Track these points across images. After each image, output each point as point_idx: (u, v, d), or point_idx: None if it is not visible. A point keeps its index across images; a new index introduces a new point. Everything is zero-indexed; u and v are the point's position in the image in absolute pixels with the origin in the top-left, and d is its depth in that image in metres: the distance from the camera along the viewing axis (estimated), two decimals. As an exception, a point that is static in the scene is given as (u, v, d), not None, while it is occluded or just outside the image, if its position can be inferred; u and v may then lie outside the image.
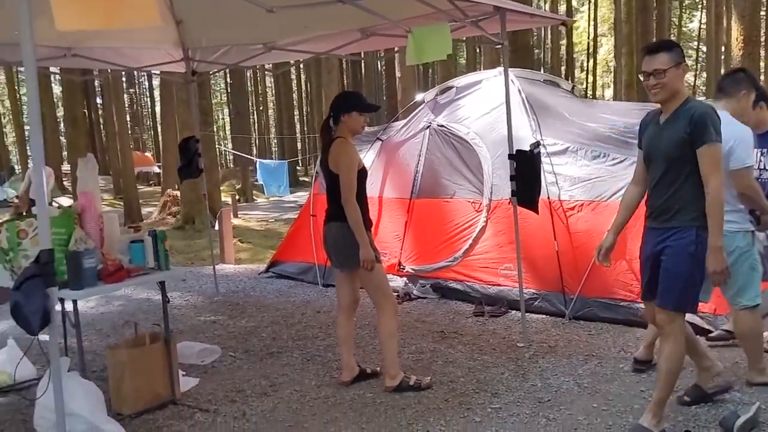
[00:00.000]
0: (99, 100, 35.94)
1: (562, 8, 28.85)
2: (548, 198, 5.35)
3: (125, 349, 3.89)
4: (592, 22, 34.51)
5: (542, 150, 5.53)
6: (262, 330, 5.41)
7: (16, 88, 30.06)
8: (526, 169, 4.58)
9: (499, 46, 4.66)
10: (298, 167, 28.85)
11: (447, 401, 3.79)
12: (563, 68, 32.62)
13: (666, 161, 3.05)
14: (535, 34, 27.01)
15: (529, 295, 5.29)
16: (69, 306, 3.58)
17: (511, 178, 4.67)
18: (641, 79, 3.16)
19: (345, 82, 33.68)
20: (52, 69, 7.96)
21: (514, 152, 4.66)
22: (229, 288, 7.03)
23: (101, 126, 36.19)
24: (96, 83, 30.97)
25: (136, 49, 6.09)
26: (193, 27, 5.94)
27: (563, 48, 34.23)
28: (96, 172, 3.96)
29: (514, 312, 5.45)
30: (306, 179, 28.41)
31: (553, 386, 3.92)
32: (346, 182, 3.77)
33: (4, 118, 33.26)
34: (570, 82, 7.14)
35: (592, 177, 5.30)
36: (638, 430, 3.12)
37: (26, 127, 35.99)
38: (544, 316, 5.30)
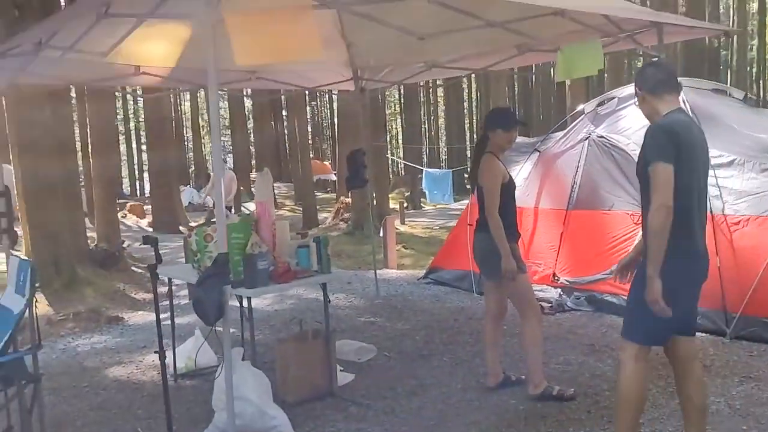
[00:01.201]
0: (285, 113, 38.67)
1: (754, 5, 26.51)
2: (710, 212, 5.13)
3: (291, 343, 4.37)
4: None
5: (706, 162, 5.35)
6: (416, 333, 5.72)
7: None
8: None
9: (656, 59, 4.59)
10: (465, 175, 29.13)
11: (589, 413, 3.84)
12: (754, 70, 29.87)
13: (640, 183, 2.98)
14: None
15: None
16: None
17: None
18: None
19: (516, 91, 33.49)
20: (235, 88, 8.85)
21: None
22: (389, 291, 7.44)
23: (285, 136, 38.88)
24: (282, 97, 33.34)
25: (311, 71, 6.68)
26: (361, 49, 6.41)
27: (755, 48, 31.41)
28: (271, 184, 4.50)
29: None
30: (472, 188, 28.51)
31: (703, 406, 3.81)
32: (489, 196, 3.96)
33: (203, 130, 36.84)
34: (743, 90, 6.71)
35: (760, 190, 5.02)
36: None
37: (223, 139, 39.66)
38: (702, 334, 5.09)
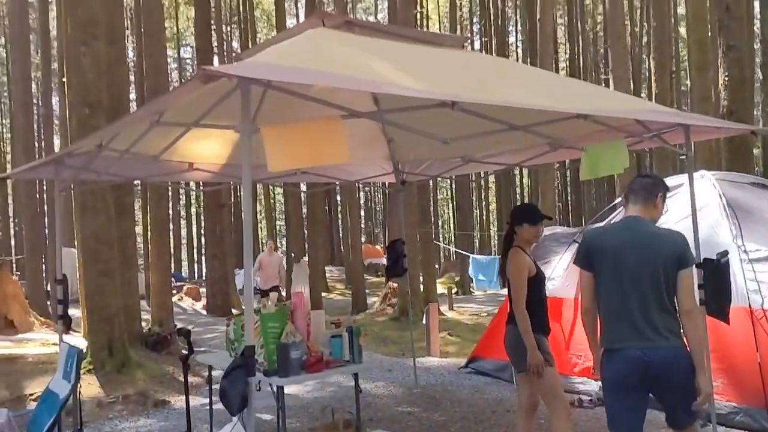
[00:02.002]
0: (339, 198, 39.62)
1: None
2: (749, 306, 5.09)
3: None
4: None
5: (744, 256, 5.34)
6: (452, 425, 5.70)
7: (271, 192, 34.27)
8: (714, 279, 4.48)
9: (684, 157, 4.70)
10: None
11: None
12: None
13: None
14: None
15: (729, 409, 4.99)
16: (290, 389, 4.23)
17: (699, 287, 4.58)
18: None
19: (568, 178, 33.53)
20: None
21: (702, 261, 4.58)
22: (428, 381, 7.44)
23: (339, 221, 39.66)
24: (337, 183, 34.23)
25: (354, 165, 7.02)
26: (401, 144, 6.74)
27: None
28: (307, 275, 4.72)
29: (710, 426, 5.13)
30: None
31: None
32: (514, 290, 4.06)
33: (259, 215, 37.91)
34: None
35: (799, 285, 4.95)
36: None
37: (278, 222, 40.78)
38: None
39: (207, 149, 5.53)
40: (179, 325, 12.24)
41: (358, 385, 4.46)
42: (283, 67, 2.93)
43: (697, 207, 6.01)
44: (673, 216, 6.29)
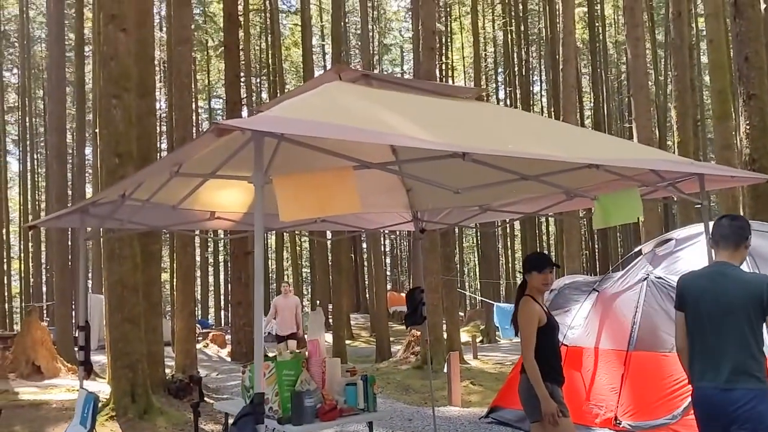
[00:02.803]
0: (364, 246, 39.73)
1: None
2: None
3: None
4: None
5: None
6: (470, 476, 5.63)
7: (297, 240, 34.57)
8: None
9: (699, 206, 4.70)
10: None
11: None
12: None
13: None
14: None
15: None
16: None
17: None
18: None
19: (592, 230, 33.27)
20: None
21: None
22: (448, 430, 7.34)
23: (365, 269, 39.67)
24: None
25: (373, 214, 7.10)
26: (419, 194, 6.81)
27: None
28: (323, 323, 4.76)
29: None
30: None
31: None
32: (523, 339, 4.06)
33: (286, 262, 38.13)
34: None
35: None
36: None
37: (304, 270, 40.93)
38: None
39: (228, 199, 5.66)
40: (204, 373, 12.31)
41: (372, 435, 4.46)
42: (295, 120, 3.04)
43: (717, 256, 6.03)
44: (694, 264, 6.23)
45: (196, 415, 3.44)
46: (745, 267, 5.65)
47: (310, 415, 4.06)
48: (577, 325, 6.92)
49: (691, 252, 6.37)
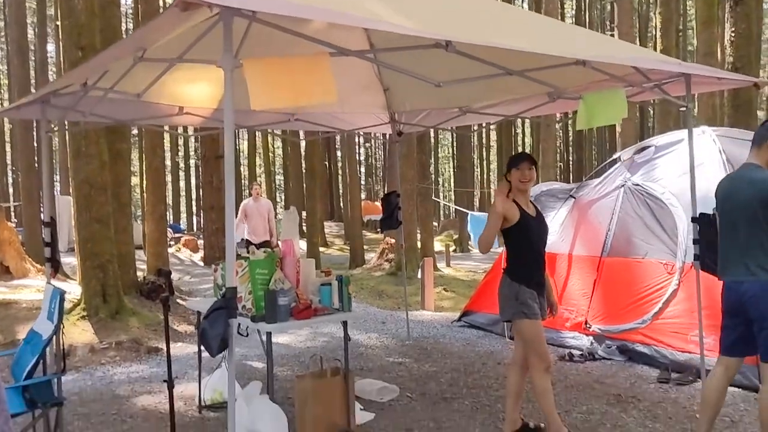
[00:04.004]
0: (338, 153, 39.40)
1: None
2: (745, 264, 5.01)
3: (309, 379, 4.43)
4: None
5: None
6: (441, 375, 5.71)
7: (270, 146, 34.06)
8: (709, 233, 4.41)
9: (683, 109, 4.58)
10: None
11: (605, 464, 3.76)
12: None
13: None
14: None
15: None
16: (283, 339, 4.20)
17: (694, 242, 4.52)
18: None
19: (570, 135, 33.26)
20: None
21: (698, 215, 4.51)
22: (421, 333, 7.44)
23: (338, 177, 39.50)
24: (337, 138, 33.96)
25: (349, 114, 6.88)
26: (397, 94, 6.59)
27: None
28: (297, 223, 4.64)
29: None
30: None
31: (724, 464, 3.70)
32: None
33: (259, 168, 37.76)
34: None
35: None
36: None
37: (278, 177, 40.60)
38: (735, 389, 4.93)
39: (197, 92, 5.40)
40: (176, 276, 12.26)
41: (347, 334, 4.42)
42: (269, -1, 2.79)
43: (696, 162, 5.95)
44: (672, 171, 6.21)
45: (166, 309, 3.36)
46: (722, 173, 5.64)
47: (284, 314, 3.99)
48: (552, 231, 6.87)
49: (670, 159, 6.30)
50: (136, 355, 7.08)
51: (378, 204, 36.21)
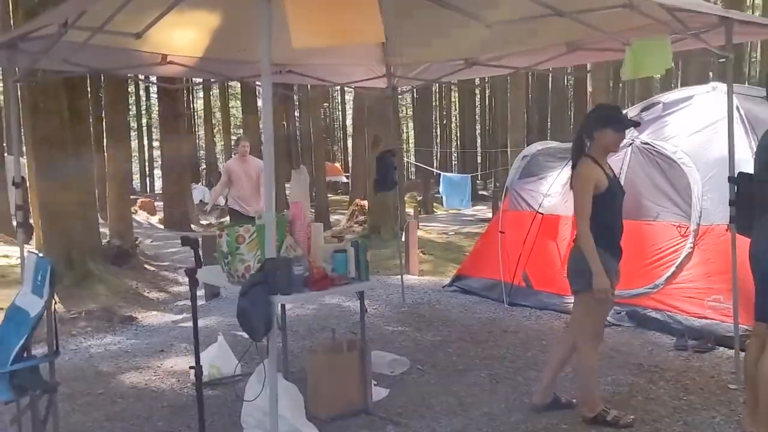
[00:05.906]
0: (297, 113, 38.41)
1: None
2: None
3: (324, 354, 4.06)
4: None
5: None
6: (448, 345, 5.41)
7: (227, 101, 32.95)
8: (748, 194, 4.14)
9: (724, 59, 4.28)
10: (477, 181, 28.83)
11: (650, 442, 3.52)
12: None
13: None
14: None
15: (741, 332, 4.77)
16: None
17: (731, 203, 4.26)
18: None
19: (530, 97, 33.13)
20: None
21: (736, 175, 4.25)
22: (414, 299, 7.12)
23: (298, 136, 38.60)
24: (295, 98, 33.07)
25: (344, 65, 6.38)
26: (396, 44, 6.10)
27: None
28: (307, 184, 4.23)
29: (722, 349, 4.96)
30: (485, 193, 28.24)
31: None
32: (576, 206, 3.61)
33: (215, 128, 36.63)
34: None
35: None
36: None
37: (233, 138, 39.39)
38: (760, 356, 4.76)
39: (184, 38, 4.84)
40: (140, 239, 11.62)
41: (363, 305, 4.05)
42: None
43: (712, 119, 5.72)
44: (684, 129, 5.95)
45: (193, 283, 2.93)
46: (743, 133, 5.41)
47: (299, 284, 3.57)
48: (554, 192, 6.61)
49: (681, 116, 6.04)
50: (109, 325, 6.60)
51: (337, 165, 35.64)
